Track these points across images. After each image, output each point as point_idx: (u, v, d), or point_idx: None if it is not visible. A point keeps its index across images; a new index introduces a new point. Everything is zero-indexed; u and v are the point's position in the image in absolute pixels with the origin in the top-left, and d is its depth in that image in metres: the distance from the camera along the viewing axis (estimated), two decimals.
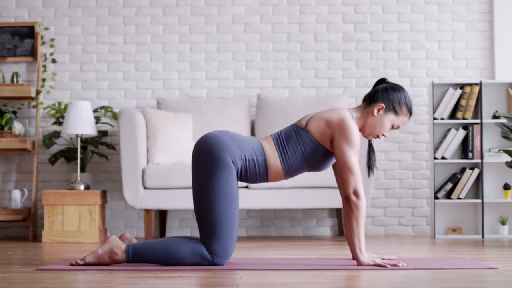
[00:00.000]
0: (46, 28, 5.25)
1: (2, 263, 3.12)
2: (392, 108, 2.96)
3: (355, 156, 2.84)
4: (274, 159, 2.90)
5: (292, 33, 5.26)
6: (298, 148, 2.90)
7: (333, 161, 3.00)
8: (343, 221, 3.15)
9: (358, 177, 2.83)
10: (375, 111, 2.96)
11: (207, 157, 2.83)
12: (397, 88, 2.99)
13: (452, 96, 4.82)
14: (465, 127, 4.81)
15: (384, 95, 2.97)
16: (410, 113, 2.99)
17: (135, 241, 2.94)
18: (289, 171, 2.93)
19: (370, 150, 3.01)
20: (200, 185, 2.82)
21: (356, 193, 2.82)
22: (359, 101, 5.12)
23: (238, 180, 2.90)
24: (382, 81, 3.05)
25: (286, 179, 2.97)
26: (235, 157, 2.84)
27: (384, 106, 2.95)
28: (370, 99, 2.99)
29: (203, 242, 2.82)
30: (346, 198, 2.84)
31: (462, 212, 4.93)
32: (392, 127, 3.00)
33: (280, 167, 2.91)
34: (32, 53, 5.22)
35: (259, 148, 2.90)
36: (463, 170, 4.84)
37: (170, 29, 5.28)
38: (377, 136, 3.00)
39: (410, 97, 3.01)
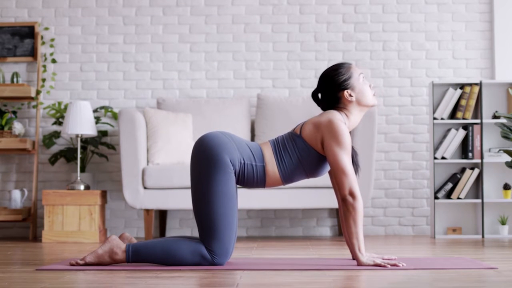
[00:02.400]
0: (46, 28, 5.25)
1: (2, 263, 3.12)
2: (346, 81, 2.96)
3: (346, 157, 2.84)
4: (272, 166, 2.90)
5: (292, 33, 5.26)
6: (294, 154, 2.90)
7: (327, 165, 2.99)
8: (341, 223, 3.15)
9: (352, 178, 2.83)
10: (349, 98, 2.95)
11: (206, 156, 2.83)
12: (326, 77, 2.98)
13: (452, 96, 4.82)
14: (465, 127, 4.81)
15: (332, 89, 2.96)
16: (350, 63, 3.00)
17: (134, 240, 2.94)
18: (287, 178, 2.93)
19: (353, 152, 3.01)
20: (199, 184, 2.82)
21: (352, 194, 2.82)
22: None
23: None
24: (315, 93, 3.03)
25: (284, 185, 2.97)
26: (234, 158, 2.84)
27: (344, 90, 2.95)
28: (334, 103, 2.98)
29: (202, 242, 2.82)
30: (342, 200, 2.83)
31: (462, 212, 4.93)
32: (365, 82, 3.00)
33: (277, 173, 2.90)
34: (32, 53, 5.22)
35: (258, 153, 2.90)
36: (463, 170, 4.84)
37: (170, 29, 5.28)
38: (373, 95, 3.00)
39: (334, 65, 3.01)
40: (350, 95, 2.95)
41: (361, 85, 2.98)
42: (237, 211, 2.90)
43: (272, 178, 2.91)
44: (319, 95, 3.03)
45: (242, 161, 2.86)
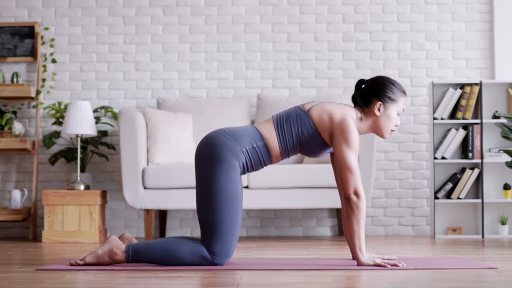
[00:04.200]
0: (46, 28, 5.25)
1: (2, 263, 3.12)
2: (389, 99, 2.96)
3: (354, 156, 2.85)
4: (272, 140, 2.91)
5: (292, 33, 5.26)
6: (295, 127, 2.91)
7: (327, 151, 3.00)
8: (342, 221, 3.15)
9: (357, 177, 2.84)
10: (376, 111, 2.96)
11: (209, 158, 2.83)
12: (381, 80, 2.99)
13: (452, 96, 4.82)
14: (465, 127, 4.81)
15: (375, 92, 2.97)
16: (404, 93, 3.00)
17: (135, 241, 2.94)
18: (284, 151, 2.93)
19: None
20: (203, 185, 2.82)
21: (356, 193, 2.83)
22: None
23: (245, 173, 2.91)
24: (362, 82, 3.04)
25: (282, 159, 2.98)
26: (236, 153, 2.84)
27: (381, 102, 2.96)
28: (364, 102, 2.98)
29: (204, 241, 2.82)
30: (346, 198, 2.84)
31: (462, 212, 4.93)
32: (398, 114, 3.00)
33: (277, 147, 2.92)
34: (32, 53, 5.22)
35: (256, 134, 2.91)
36: (463, 170, 4.84)
37: (170, 29, 5.28)
38: (392, 130, 3.00)
39: (395, 80, 3.02)
40: (378, 110, 2.95)
41: (393, 115, 2.97)
42: (241, 211, 2.90)
43: (275, 153, 2.92)
44: (363, 86, 3.03)
45: (244, 149, 2.87)
